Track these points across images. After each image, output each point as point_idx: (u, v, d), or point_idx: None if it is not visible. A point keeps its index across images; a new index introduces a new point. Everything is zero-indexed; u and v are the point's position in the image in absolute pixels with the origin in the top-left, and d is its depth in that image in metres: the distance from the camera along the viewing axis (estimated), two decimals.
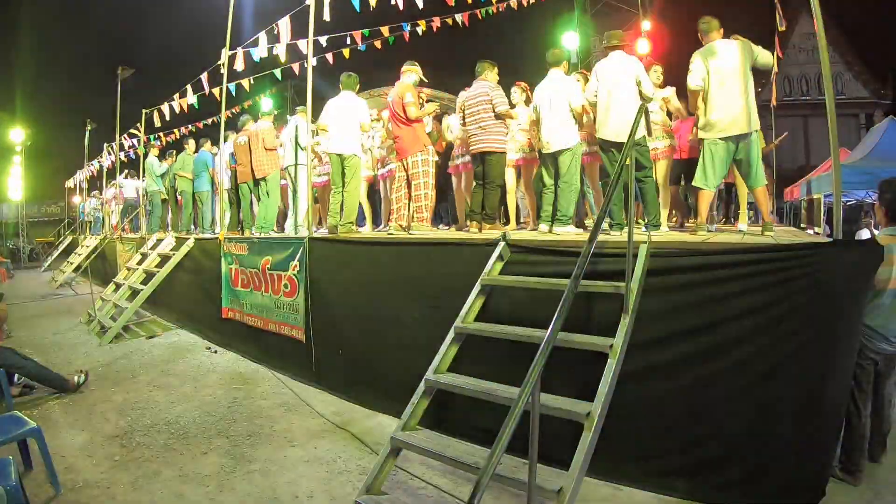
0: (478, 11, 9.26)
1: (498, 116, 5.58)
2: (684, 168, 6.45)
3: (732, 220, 8.09)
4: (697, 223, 4.63)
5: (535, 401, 2.02)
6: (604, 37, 5.04)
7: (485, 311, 3.69)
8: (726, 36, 4.38)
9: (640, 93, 4.67)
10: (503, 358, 3.45)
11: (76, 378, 5.39)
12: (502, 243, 3.82)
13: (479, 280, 3.71)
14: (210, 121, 13.61)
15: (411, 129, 5.84)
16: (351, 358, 5.07)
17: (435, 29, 9.12)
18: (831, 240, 3.12)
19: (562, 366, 2.69)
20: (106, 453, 3.96)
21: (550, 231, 5.19)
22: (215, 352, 6.95)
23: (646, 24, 13.88)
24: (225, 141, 8.53)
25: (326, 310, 5.35)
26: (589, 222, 6.26)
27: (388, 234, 5.69)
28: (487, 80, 5.68)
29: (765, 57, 4.25)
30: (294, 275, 5.68)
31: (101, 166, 16.98)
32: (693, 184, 4.55)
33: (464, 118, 5.89)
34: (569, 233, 4.94)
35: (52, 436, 4.04)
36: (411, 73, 6.00)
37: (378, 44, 9.29)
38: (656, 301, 3.19)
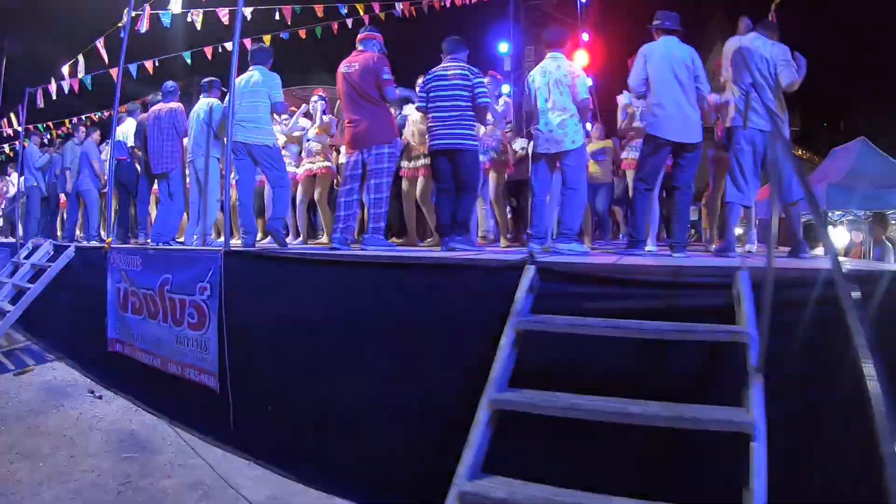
0: (413, 7, 8.93)
1: (476, 109, 4.58)
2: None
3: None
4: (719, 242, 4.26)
5: None
6: (656, 16, 4.20)
7: (519, 370, 2.46)
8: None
9: (697, 87, 4.04)
10: (567, 444, 2.38)
11: None
12: (532, 268, 2.59)
13: (510, 323, 2.43)
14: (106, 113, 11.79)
15: (380, 113, 4.64)
16: (289, 419, 3.79)
17: (366, 21, 8.32)
18: None
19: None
20: None
21: (545, 249, 4.27)
22: (100, 397, 5.48)
23: (584, 35, 13.99)
24: (119, 124, 7.01)
25: (249, 351, 4.05)
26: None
27: (333, 249, 4.47)
28: (461, 60, 4.64)
29: None
30: (203, 301, 4.35)
31: None
32: (727, 199, 4.08)
33: (427, 105, 4.68)
34: (575, 251, 4.08)
35: None
36: (375, 40, 4.76)
37: (303, 34, 8.55)
38: None
